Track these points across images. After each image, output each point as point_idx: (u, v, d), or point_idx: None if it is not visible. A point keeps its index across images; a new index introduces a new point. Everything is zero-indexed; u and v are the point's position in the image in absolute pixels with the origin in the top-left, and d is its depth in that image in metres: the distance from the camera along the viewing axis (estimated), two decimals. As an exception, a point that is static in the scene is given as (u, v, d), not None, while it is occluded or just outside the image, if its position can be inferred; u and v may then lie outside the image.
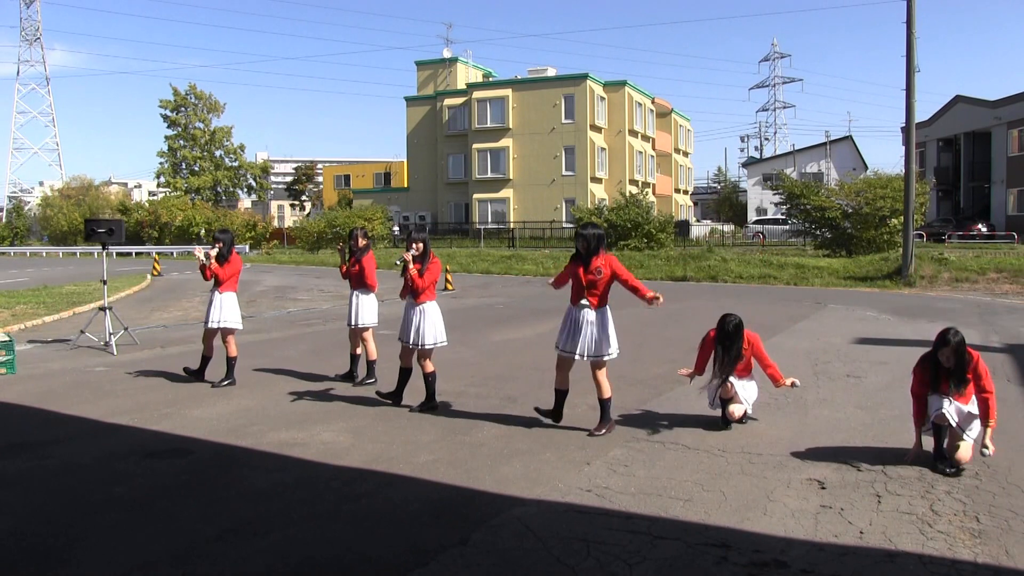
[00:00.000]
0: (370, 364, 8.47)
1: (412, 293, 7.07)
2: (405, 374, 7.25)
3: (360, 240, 8.48)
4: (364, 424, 6.68)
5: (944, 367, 5.29)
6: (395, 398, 7.27)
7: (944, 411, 5.24)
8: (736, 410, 6.35)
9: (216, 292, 8.30)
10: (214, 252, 8.25)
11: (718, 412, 6.47)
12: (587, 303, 6.17)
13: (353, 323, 8.41)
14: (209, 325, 8.29)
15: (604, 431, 6.20)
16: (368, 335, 8.48)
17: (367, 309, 8.40)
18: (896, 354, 9.96)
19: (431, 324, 7.02)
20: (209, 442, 6.14)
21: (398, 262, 7.11)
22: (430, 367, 7.11)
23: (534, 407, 6.74)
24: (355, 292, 8.42)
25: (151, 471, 5.43)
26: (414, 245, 7.02)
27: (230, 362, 8.31)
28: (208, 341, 8.45)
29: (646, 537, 4.18)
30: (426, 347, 7.01)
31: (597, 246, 6.19)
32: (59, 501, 4.83)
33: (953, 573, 3.77)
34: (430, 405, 7.08)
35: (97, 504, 4.78)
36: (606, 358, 6.22)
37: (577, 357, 6.19)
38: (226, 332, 8.33)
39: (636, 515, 4.51)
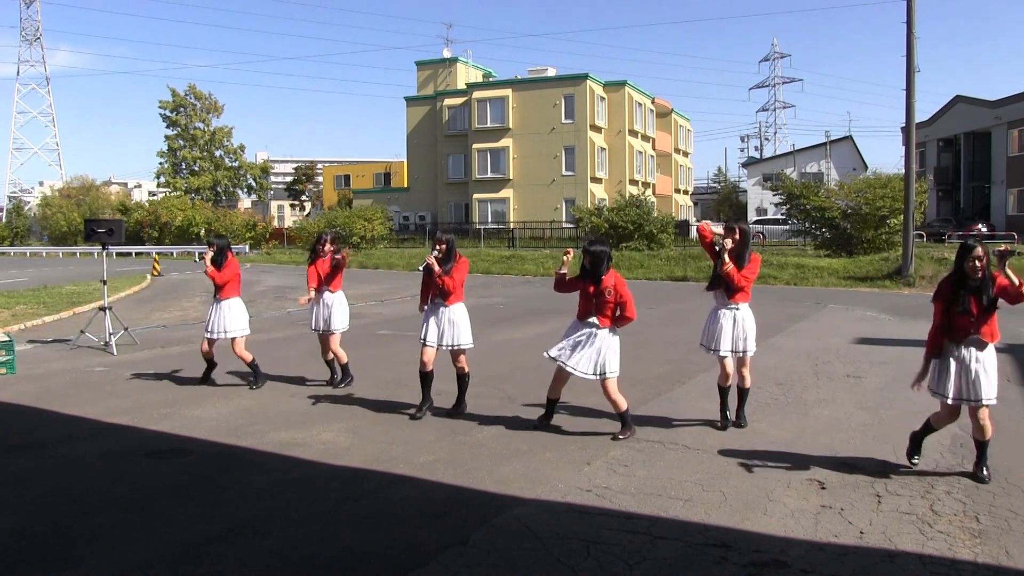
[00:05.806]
0: (344, 367, 8.28)
1: (442, 295, 6.74)
2: (428, 379, 6.89)
3: (328, 245, 8.12)
4: (364, 424, 6.68)
5: (971, 285, 4.94)
6: (426, 404, 6.93)
7: (954, 401, 5.04)
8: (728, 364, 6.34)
9: (217, 300, 8.13)
10: (208, 255, 8.12)
11: (714, 355, 6.46)
12: (596, 322, 6.01)
13: (323, 327, 8.06)
14: (208, 335, 8.10)
15: (628, 435, 6.10)
16: (335, 340, 8.13)
17: (339, 313, 8.10)
18: (896, 354, 9.96)
19: (464, 325, 6.79)
20: (209, 442, 6.15)
21: (421, 267, 6.72)
22: (467, 366, 6.95)
23: (536, 421, 6.53)
24: (323, 293, 8.07)
25: (151, 471, 5.44)
26: (438, 247, 6.71)
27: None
28: (208, 351, 8.22)
29: (646, 537, 4.18)
30: (461, 347, 6.78)
31: (607, 265, 5.97)
32: (59, 501, 4.84)
33: (953, 573, 3.77)
34: (460, 409, 6.95)
35: (97, 504, 4.78)
36: (608, 376, 6.01)
37: (576, 372, 5.97)
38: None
39: (636, 515, 4.51)
